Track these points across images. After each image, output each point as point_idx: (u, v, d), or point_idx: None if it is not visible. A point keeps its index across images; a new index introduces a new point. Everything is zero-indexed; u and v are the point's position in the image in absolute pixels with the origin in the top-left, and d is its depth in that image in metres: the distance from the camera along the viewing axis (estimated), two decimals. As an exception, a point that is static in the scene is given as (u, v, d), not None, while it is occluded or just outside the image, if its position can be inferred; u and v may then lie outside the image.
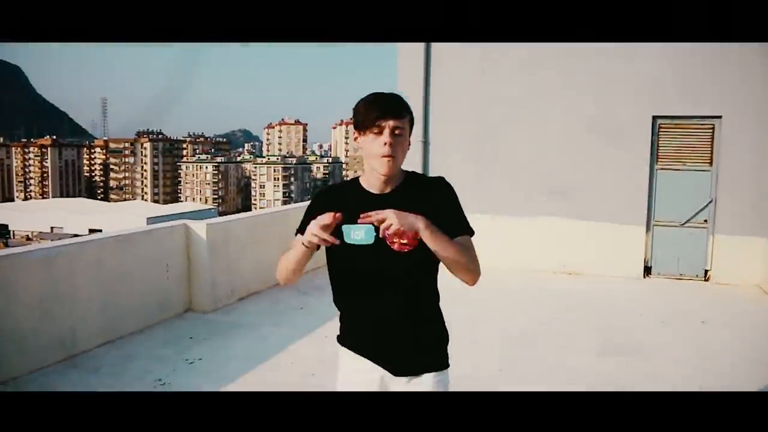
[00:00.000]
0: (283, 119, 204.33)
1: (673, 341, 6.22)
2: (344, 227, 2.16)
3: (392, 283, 2.24)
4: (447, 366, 2.48)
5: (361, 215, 2.04)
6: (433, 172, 9.54)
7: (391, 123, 2.14)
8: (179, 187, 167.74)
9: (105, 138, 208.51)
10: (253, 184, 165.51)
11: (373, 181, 2.25)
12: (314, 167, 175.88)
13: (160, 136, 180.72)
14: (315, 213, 2.19)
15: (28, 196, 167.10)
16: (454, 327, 6.69)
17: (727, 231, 8.59)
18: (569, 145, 9.09)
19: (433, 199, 2.25)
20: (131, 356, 5.52)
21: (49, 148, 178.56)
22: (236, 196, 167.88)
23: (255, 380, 5.04)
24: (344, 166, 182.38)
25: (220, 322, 6.56)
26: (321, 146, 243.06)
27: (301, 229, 2.28)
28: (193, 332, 6.19)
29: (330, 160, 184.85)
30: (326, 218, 2.05)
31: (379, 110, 2.15)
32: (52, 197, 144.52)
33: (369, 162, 2.22)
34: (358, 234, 2.15)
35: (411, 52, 9.56)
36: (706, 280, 8.78)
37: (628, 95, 8.82)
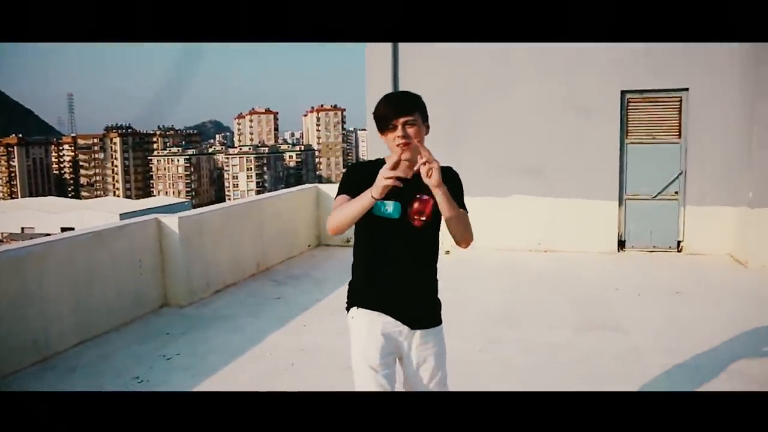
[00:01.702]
0: (253, 108, 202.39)
1: (649, 314, 6.29)
2: (377, 202, 2.49)
3: (410, 252, 2.68)
4: (438, 324, 2.83)
5: (419, 157, 2.41)
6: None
7: (401, 120, 2.56)
8: (151, 181, 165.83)
9: (73, 134, 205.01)
10: (226, 176, 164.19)
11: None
12: (287, 155, 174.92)
13: (129, 130, 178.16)
14: (355, 180, 2.64)
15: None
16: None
17: (697, 202, 8.70)
18: (540, 123, 9.11)
19: (445, 182, 2.55)
20: (107, 355, 5.44)
21: (15, 147, 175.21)
22: (209, 188, 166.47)
23: (234, 373, 5.00)
24: (317, 153, 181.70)
25: (196, 315, 6.49)
26: (293, 134, 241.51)
27: (346, 190, 2.65)
28: (169, 327, 6.12)
29: (302, 147, 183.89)
30: (392, 162, 2.41)
31: (389, 111, 2.59)
32: (21, 197, 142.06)
33: (393, 152, 2.61)
34: (389, 208, 2.60)
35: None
36: (679, 251, 8.88)
37: (597, 71, 8.86)
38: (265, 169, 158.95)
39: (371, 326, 2.70)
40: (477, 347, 5.42)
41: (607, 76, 8.81)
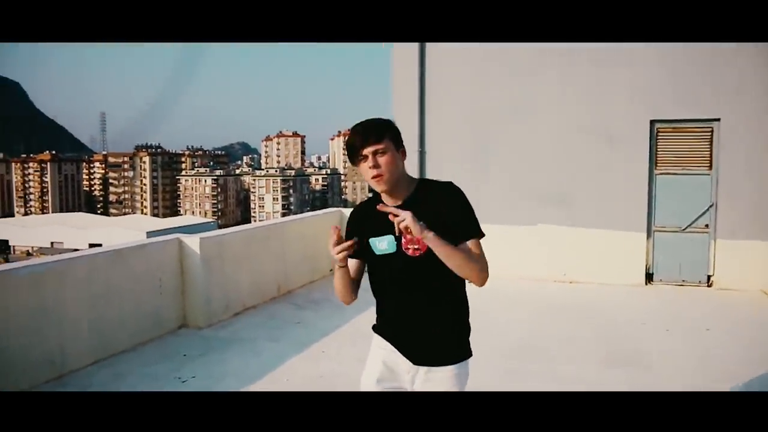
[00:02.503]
0: (281, 131, 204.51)
1: (678, 350, 6.09)
2: (371, 240, 2.54)
3: (410, 285, 2.54)
4: (465, 358, 2.71)
5: (378, 207, 2.39)
6: (430, 181, 9.45)
7: (370, 149, 2.44)
8: (179, 200, 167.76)
9: (104, 152, 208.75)
10: (252, 197, 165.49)
11: (384, 196, 2.56)
12: (313, 179, 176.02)
13: (158, 149, 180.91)
14: (349, 230, 2.64)
15: (29, 212, 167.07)
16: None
17: (728, 235, 8.48)
18: (566, 151, 8.99)
19: (443, 203, 2.50)
20: (122, 375, 5.39)
21: (48, 163, 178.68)
22: (236, 208, 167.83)
23: (249, 398, 4.91)
24: (343, 177, 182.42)
25: (214, 337, 6.43)
26: (319, 158, 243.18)
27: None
28: (186, 349, 6.06)
29: (328, 171, 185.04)
30: (333, 243, 2.45)
31: (357, 141, 2.46)
32: (52, 212, 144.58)
33: (369, 184, 2.52)
34: (383, 245, 2.53)
35: (405, 61, 9.48)
36: (709, 285, 8.65)
37: (625, 100, 8.73)
38: (291, 191, 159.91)
39: (376, 354, 2.69)
40: (497, 381, 5.27)
41: (636, 105, 8.68)
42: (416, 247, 2.46)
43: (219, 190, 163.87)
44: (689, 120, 8.60)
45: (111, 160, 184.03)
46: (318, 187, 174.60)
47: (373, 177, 2.45)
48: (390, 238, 2.50)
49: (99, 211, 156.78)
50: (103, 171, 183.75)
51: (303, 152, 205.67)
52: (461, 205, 2.54)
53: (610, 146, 8.80)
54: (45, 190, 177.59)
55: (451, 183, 2.58)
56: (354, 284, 2.67)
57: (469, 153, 9.41)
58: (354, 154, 2.49)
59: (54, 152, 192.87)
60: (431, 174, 9.43)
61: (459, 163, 9.38)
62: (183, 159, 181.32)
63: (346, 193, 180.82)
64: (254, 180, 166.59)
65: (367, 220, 2.58)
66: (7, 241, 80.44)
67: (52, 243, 72.58)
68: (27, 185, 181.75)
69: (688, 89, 8.49)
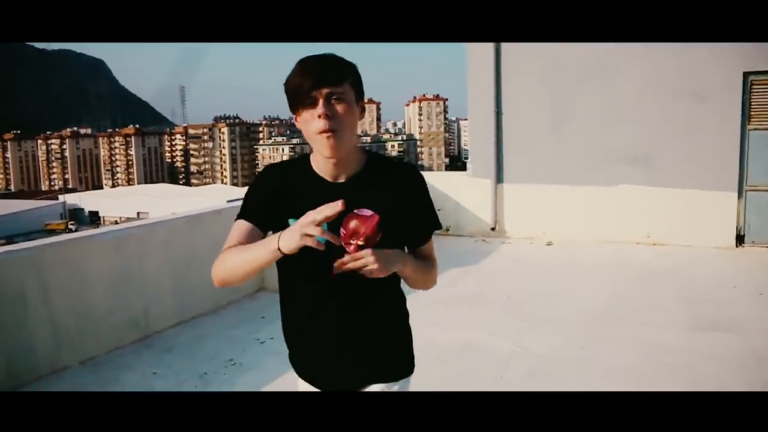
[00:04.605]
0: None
1: (771, 314, 5.77)
2: (292, 221, 1.78)
3: (348, 288, 1.87)
4: (404, 376, 2.07)
5: (335, 264, 1.71)
6: (506, 143, 9.22)
7: (324, 91, 1.76)
8: (257, 169, 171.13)
9: (184, 125, 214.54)
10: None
11: (322, 165, 1.88)
12: (389, 145, 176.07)
13: (236, 120, 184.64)
14: (264, 192, 1.92)
15: (116, 184, 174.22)
16: (529, 303, 6.43)
17: (829, 194, 7.94)
18: (650, 108, 8.56)
19: (398, 189, 1.92)
20: (203, 337, 5.51)
21: (132, 137, 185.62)
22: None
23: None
24: (419, 143, 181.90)
25: (291, 301, 6.48)
26: (395, 124, 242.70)
27: (247, 214, 1.92)
28: (265, 311, 6.13)
29: (404, 137, 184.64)
30: (328, 209, 1.64)
31: (309, 79, 1.76)
32: (138, 184, 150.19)
33: (312, 144, 1.84)
34: None
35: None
36: (807, 247, 8.16)
37: (714, 51, 8.20)
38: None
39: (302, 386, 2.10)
40: (578, 345, 5.12)
41: (726, 56, 8.15)
42: (359, 242, 1.82)
43: (296, 157, 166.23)
44: (786, 71, 8.05)
45: (191, 132, 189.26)
46: (394, 153, 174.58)
47: (323, 131, 1.76)
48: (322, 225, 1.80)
49: (181, 182, 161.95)
50: (184, 143, 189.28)
51: (378, 119, 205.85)
52: (421, 192, 1.99)
53: (697, 102, 8.33)
54: (130, 162, 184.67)
55: (412, 165, 2.05)
56: None
57: (547, 113, 9.10)
58: (299, 96, 1.78)
59: (138, 126, 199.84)
60: (508, 135, 9.19)
61: (536, 123, 9.11)
62: (260, 129, 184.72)
63: (422, 159, 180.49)
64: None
65: (290, 189, 1.90)
66: (97, 212, 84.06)
67: (138, 213, 75.32)
68: (114, 159, 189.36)
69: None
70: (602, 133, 8.83)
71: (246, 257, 1.80)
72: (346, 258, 1.73)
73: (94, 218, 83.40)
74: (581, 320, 5.69)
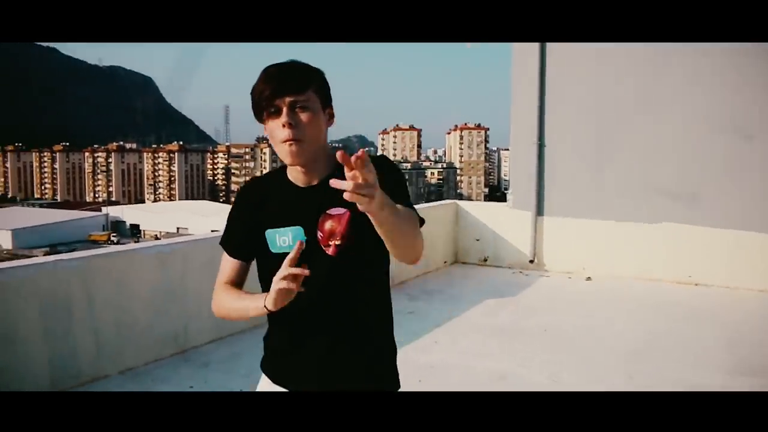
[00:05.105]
0: (397, 125, 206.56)
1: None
2: (268, 232, 1.87)
3: (327, 295, 1.87)
4: (396, 389, 2.11)
5: (331, 181, 1.49)
6: (548, 176, 9.19)
7: (287, 99, 1.76)
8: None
9: (227, 144, 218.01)
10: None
11: (295, 173, 1.89)
12: (428, 172, 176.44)
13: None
14: (239, 214, 1.99)
15: (158, 198, 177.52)
16: (565, 337, 6.37)
17: None
18: (695, 144, 8.45)
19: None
20: (239, 353, 5.57)
21: (176, 154, 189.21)
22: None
23: (360, 383, 4.94)
24: (458, 171, 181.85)
25: (327, 323, 6.52)
26: (435, 151, 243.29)
27: (228, 241, 2.02)
28: (300, 332, 6.18)
29: (444, 165, 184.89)
30: (291, 254, 1.67)
31: (270, 88, 1.77)
32: (179, 199, 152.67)
33: (277, 152, 1.83)
34: (285, 240, 1.85)
35: (525, 50, 9.25)
36: None
37: (765, 87, 8.06)
38: (407, 184, 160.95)
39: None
40: (614, 382, 5.05)
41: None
42: (338, 242, 1.80)
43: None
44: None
45: (233, 151, 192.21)
46: (434, 181, 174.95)
47: (286, 140, 1.76)
48: (297, 230, 1.84)
49: (221, 200, 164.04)
50: (226, 161, 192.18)
51: (419, 146, 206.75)
52: (399, 179, 1.93)
53: (745, 139, 8.21)
54: (172, 178, 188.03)
55: (384, 156, 2.02)
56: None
57: (590, 146, 9.06)
58: (262, 105, 1.79)
59: (181, 143, 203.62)
60: (549, 168, 9.17)
61: (578, 156, 9.07)
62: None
63: (461, 188, 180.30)
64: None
65: (264, 202, 1.92)
66: (138, 225, 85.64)
67: (177, 228, 76.48)
68: (156, 174, 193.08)
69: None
70: (646, 168, 8.75)
71: (239, 307, 1.93)
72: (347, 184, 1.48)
73: (135, 231, 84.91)
74: (618, 357, 5.61)
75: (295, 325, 1.94)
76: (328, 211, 1.82)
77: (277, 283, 1.69)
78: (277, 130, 1.79)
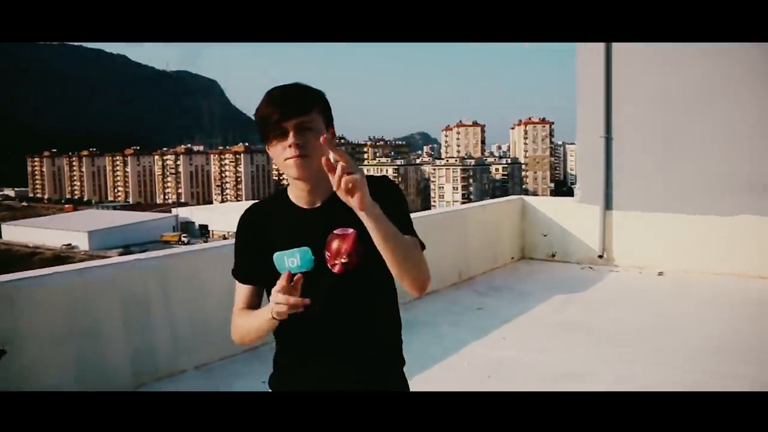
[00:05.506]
0: (460, 121, 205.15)
1: None
2: (276, 255, 1.89)
3: (336, 315, 1.92)
4: None
5: (324, 161, 1.61)
6: (615, 170, 9.00)
7: (293, 122, 1.82)
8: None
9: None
10: (432, 186, 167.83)
11: (298, 192, 1.93)
12: (493, 168, 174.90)
13: (342, 140, 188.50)
14: (244, 241, 2.01)
15: (225, 199, 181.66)
16: (638, 334, 6.24)
17: None
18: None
19: (378, 200, 1.79)
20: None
21: (242, 155, 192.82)
22: (416, 198, 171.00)
23: (431, 380, 4.96)
24: (523, 166, 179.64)
25: (395, 319, 6.56)
26: (499, 147, 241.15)
27: (239, 271, 2.04)
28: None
29: (509, 160, 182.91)
30: (281, 288, 1.74)
31: (277, 111, 1.83)
32: (245, 199, 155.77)
33: (284, 171, 1.90)
34: (293, 261, 1.87)
35: (590, 46, 9.07)
36: None
37: None
38: (470, 180, 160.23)
39: None
40: (686, 380, 4.92)
41: None
42: (344, 260, 1.84)
43: (400, 179, 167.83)
44: None
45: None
46: (498, 177, 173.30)
47: (291, 158, 1.82)
48: (305, 251, 1.87)
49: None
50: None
51: (483, 141, 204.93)
52: (398, 204, 1.94)
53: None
54: (239, 179, 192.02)
55: (386, 177, 2.00)
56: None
57: (659, 138, 8.82)
58: (268, 128, 1.85)
59: (247, 144, 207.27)
60: (617, 161, 8.98)
61: (647, 149, 8.85)
62: (365, 149, 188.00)
63: (526, 183, 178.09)
64: (434, 169, 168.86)
65: (268, 226, 1.96)
66: (206, 226, 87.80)
67: (245, 228, 78.11)
68: (223, 175, 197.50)
69: None
70: (719, 160, 8.47)
71: (251, 326, 1.96)
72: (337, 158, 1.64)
73: (204, 231, 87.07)
74: (691, 354, 5.47)
75: (302, 343, 1.99)
76: (334, 231, 1.87)
77: (275, 304, 1.76)
78: (284, 151, 1.85)
